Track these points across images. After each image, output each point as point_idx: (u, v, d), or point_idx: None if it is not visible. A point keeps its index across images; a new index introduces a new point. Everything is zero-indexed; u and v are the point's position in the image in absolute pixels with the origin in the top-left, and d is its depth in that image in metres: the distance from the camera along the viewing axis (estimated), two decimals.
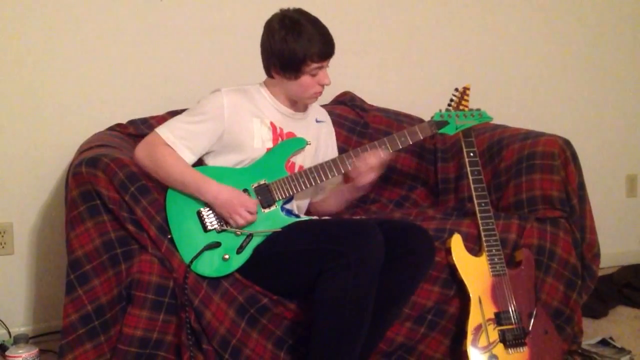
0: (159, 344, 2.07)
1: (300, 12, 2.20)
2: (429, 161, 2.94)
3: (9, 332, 2.64)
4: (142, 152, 2.16)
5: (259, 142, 2.23)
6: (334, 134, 2.51)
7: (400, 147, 2.28)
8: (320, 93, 2.26)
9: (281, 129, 2.28)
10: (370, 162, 2.22)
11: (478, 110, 2.41)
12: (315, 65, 2.16)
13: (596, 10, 3.59)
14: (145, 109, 2.72)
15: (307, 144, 2.28)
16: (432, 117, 2.36)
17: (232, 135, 2.21)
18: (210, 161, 2.26)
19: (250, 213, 2.10)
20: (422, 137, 2.31)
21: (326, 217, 2.40)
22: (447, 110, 2.38)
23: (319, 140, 2.40)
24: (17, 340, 2.28)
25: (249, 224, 2.12)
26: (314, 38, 2.14)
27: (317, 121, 2.41)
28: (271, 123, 2.27)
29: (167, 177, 2.13)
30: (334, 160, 2.23)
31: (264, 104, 2.29)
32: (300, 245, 2.07)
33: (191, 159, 2.18)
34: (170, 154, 2.14)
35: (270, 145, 2.24)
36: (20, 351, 2.25)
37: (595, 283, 2.58)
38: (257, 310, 2.13)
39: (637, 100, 3.74)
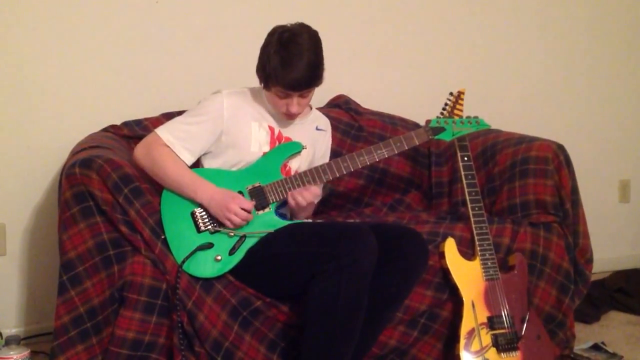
0: (151, 346, 2.07)
1: (305, 38, 2.12)
2: (423, 165, 2.94)
3: (1, 334, 2.62)
4: (141, 151, 2.17)
5: (256, 145, 2.24)
6: (330, 144, 2.51)
7: (396, 152, 2.28)
8: (291, 116, 2.23)
9: (280, 132, 2.29)
10: (307, 197, 2.18)
11: (476, 117, 2.40)
12: (279, 89, 2.15)
13: (590, 17, 3.61)
14: (140, 110, 2.72)
15: (303, 148, 2.28)
16: (428, 123, 2.36)
17: (229, 137, 2.22)
18: (207, 162, 2.27)
19: (246, 211, 2.10)
20: (418, 143, 2.31)
21: (319, 221, 2.40)
22: (442, 115, 2.38)
23: (316, 147, 2.40)
24: (9, 341, 2.27)
25: (246, 222, 2.12)
26: (291, 67, 2.09)
27: (317, 129, 2.41)
28: (269, 126, 2.27)
29: (164, 178, 2.14)
30: (328, 164, 2.23)
31: (264, 107, 2.29)
32: (293, 247, 2.07)
33: (189, 159, 2.19)
34: (168, 154, 2.15)
35: (267, 148, 2.25)
36: (12, 352, 2.24)
37: (587, 288, 2.58)
38: (250, 312, 2.13)
39: (630, 105, 3.75)
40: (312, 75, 2.13)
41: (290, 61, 2.09)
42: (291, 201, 2.18)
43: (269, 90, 2.19)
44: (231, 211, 2.09)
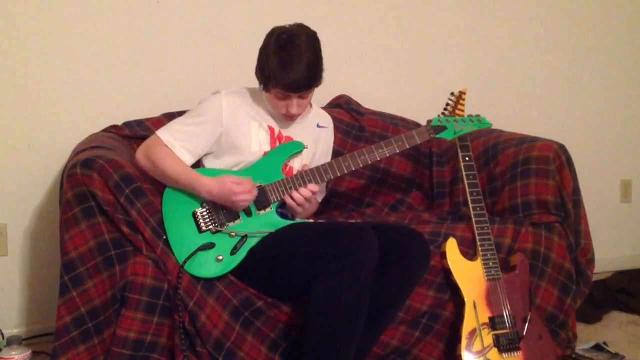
0: (152, 346, 2.07)
1: (303, 38, 2.11)
2: (424, 165, 2.94)
3: (2, 334, 2.63)
4: (142, 153, 2.18)
5: (257, 145, 2.24)
6: (332, 141, 2.50)
7: (397, 151, 2.28)
8: (291, 117, 2.23)
9: (280, 132, 2.29)
10: (305, 194, 2.18)
11: (477, 116, 2.41)
12: (278, 90, 2.14)
13: (590, 16, 3.61)
14: (141, 110, 2.72)
15: (304, 148, 2.28)
16: (429, 122, 2.36)
17: (229, 137, 2.22)
18: (208, 163, 2.27)
19: (246, 188, 2.10)
20: (419, 142, 2.31)
21: (321, 221, 2.40)
22: (444, 115, 2.37)
23: (317, 144, 2.40)
24: (10, 341, 2.27)
25: (254, 198, 2.12)
26: (290, 68, 2.09)
27: (318, 126, 2.41)
28: (269, 126, 2.27)
29: (165, 178, 2.15)
30: (329, 164, 2.23)
31: (263, 107, 2.29)
32: (295, 247, 2.07)
33: (190, 160, 2.19)
34: (168, 154, 2.15)
35: (267, 148, 2.25)
36: (13, 353, 2.24)
37: (589, 288, 2.58)
38: (252, 313, 2.13)
39: (631, 105, 3.75)
40: (311, 75, 2.13)
41: (288, 62, 2.09)
42: (290, 202, 2.18)
43: (269, 92, 2.19)
44: (237, 195, 2.09)
